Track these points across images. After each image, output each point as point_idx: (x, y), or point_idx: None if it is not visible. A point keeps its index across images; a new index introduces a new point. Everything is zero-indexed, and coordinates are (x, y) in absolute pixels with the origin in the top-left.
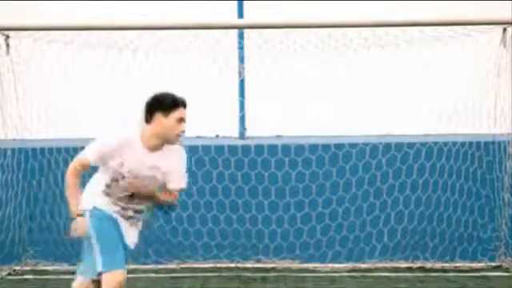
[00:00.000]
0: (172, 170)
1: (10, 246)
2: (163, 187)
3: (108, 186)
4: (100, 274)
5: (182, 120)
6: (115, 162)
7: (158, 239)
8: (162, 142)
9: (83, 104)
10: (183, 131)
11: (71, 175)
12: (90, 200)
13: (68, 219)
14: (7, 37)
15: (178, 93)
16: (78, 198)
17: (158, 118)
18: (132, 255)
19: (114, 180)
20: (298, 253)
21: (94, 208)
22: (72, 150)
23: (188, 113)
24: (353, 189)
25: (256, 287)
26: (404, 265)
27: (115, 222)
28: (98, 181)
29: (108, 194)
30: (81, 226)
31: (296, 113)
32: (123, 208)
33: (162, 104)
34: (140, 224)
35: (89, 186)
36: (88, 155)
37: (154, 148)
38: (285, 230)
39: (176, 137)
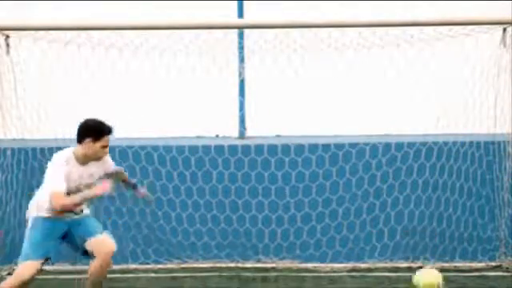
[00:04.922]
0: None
1: (10, 246)
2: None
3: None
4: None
5: (105, 147)
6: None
7: (157, 239)
8: (90, 160)
9: (83, 104)
10: (106, 154)
11: (62, 204)
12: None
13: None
14: (7, 37)
15: (178, 92)
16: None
17: (88, 142)
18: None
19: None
20: (298, 253)
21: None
22: None
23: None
24: (353, 189)
25: (256, 287)
26: (404, 265)
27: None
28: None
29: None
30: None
31: (296, 113)
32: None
33: (93, 132)
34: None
35: (36, 197)
36: (58, 186)
37: (85, 163)
38: (285, 229)
39: (100, 158)
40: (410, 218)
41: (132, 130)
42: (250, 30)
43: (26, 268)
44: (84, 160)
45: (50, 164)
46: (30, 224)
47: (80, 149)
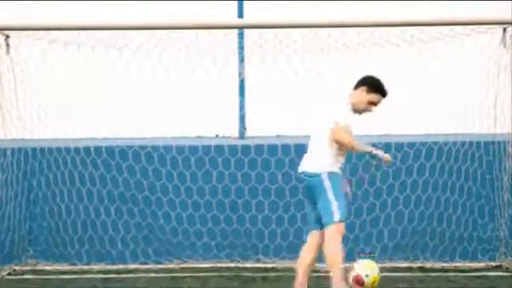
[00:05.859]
0: None
1: (10, 246)
2: None
3: (338, 150)
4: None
5: (372, 104)
6: None
7: (157, 239)
8: (354, 110)
9: (83, 104)
10: (368, 111)
11: (351, 140)
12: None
13: (66, 219)
14: (7, 37)
15: (178, 92)
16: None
17: (361, 90)
18: None
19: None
20: (298, 253)
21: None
22: (72, 150)
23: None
24: (353, 189)
25: (256, 287)
26: (404, 265)
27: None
28: (329, 148)
29: (338, 156)
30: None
31: (296, 113)
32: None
33: (371, 83)
34: None
35: (319, 153)
36: (349, 126)
37: (354, 112)
38: (285, 229)
39: (361, 112)
40: (410, 218)
41: (132, 130)
42: (249, 30)
43: (342, 227)
44: (353, 108)
45: (335, 113)
46: (329, 180)
47: (353, 95)
